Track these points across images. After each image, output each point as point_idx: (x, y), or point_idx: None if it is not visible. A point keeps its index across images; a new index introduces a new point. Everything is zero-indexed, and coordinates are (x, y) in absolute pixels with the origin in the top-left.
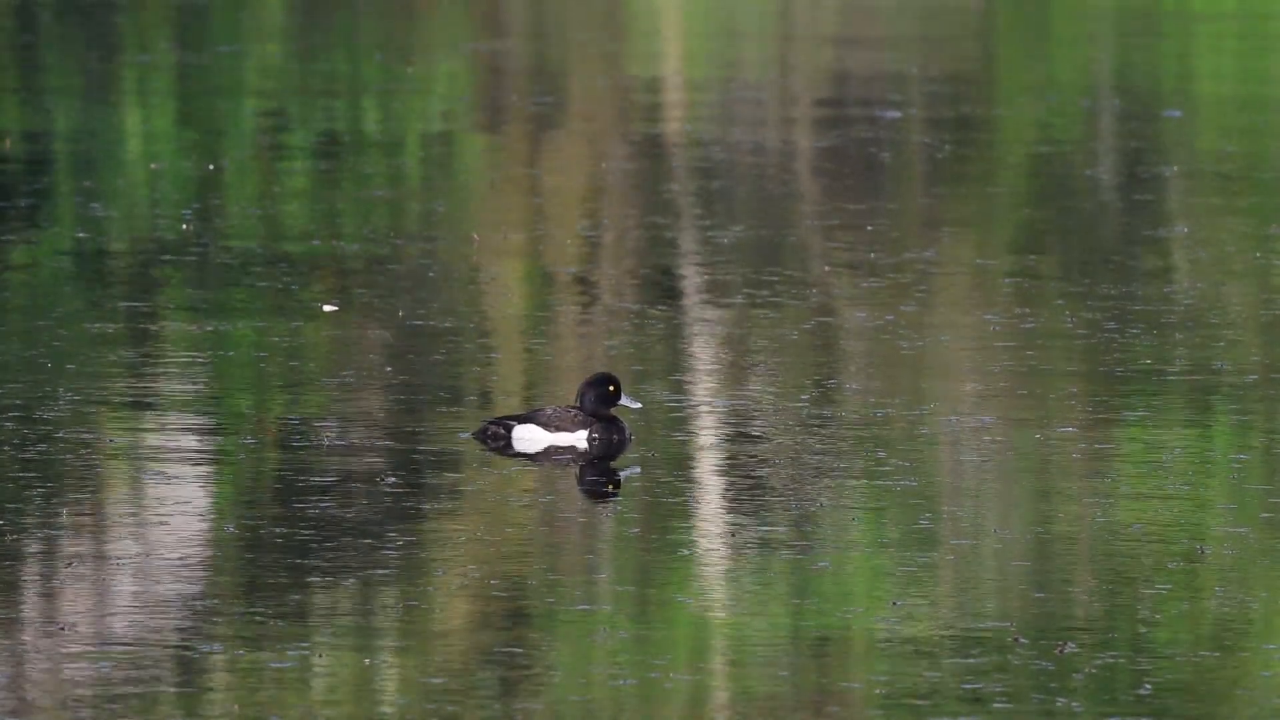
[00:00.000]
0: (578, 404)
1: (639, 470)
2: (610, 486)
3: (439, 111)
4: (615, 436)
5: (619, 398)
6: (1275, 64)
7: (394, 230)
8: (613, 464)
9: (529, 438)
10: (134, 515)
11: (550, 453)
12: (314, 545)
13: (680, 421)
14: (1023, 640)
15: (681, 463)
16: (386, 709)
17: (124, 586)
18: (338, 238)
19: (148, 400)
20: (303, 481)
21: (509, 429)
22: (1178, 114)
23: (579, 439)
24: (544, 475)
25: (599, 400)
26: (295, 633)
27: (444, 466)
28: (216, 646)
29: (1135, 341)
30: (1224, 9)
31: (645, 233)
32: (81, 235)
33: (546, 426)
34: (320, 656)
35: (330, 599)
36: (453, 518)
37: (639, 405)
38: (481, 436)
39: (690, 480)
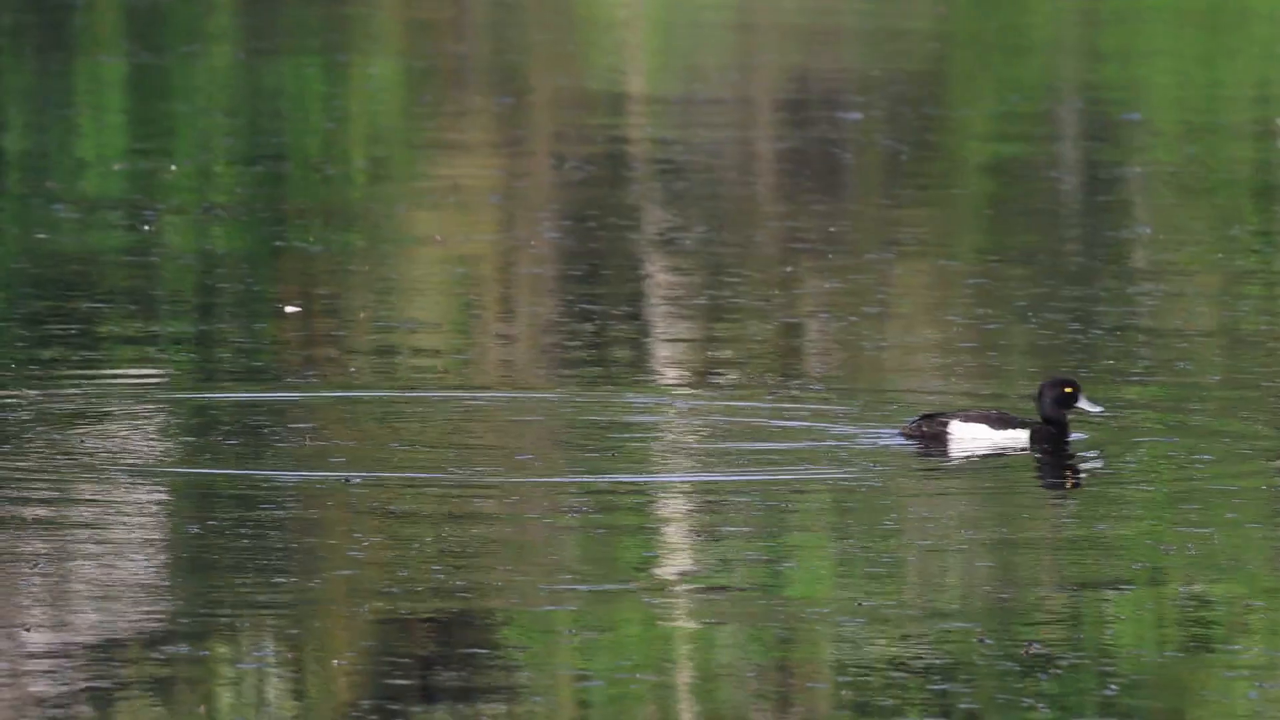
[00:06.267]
0: (1036, 404)
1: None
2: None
3: (400, 112)
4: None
5: (1077, 400)
6: (1232, 65)
7: (356, 232)
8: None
9: (971, 436)
10: (94, 517)
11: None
12: (276, 547)
13: (644, 423)
14: (988, 641)
15: (644, 461)
16: (348, 708)
17: (86, 588)
18: (300, 239)
19: (110, 402)
20: (266, 485)
21: (945, 425)
22: (1137, 117)
23: (1022, 436)
24: (496, 476)
25: (1056, 402)
26: (258, 632)
27: (421, 467)
28: (183, 647)
29: (1098, 343)
30: (1189, 5)
31: (607, 234)
32: (42, 236)
33: (991, 424)
34: (286, 655)
35: (292, 598)
36: (415, 519)
37: (1099, 409)
38: (914, 433)
39: (653, 480)
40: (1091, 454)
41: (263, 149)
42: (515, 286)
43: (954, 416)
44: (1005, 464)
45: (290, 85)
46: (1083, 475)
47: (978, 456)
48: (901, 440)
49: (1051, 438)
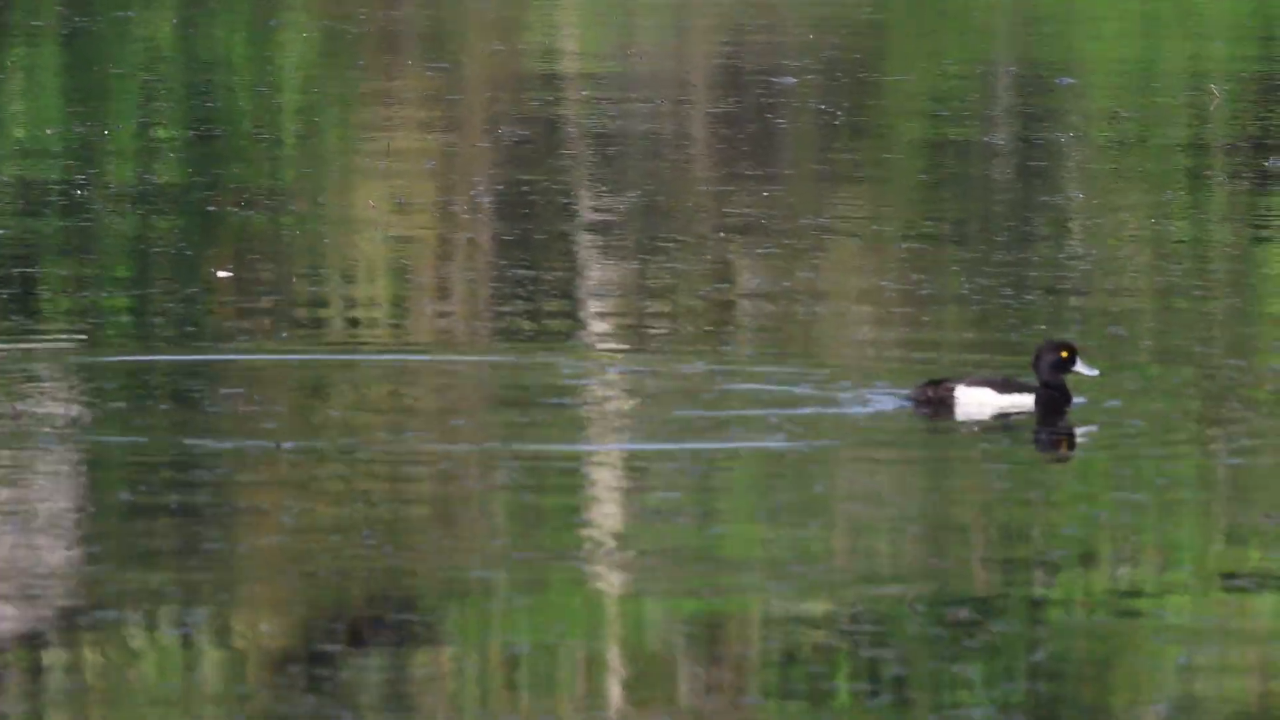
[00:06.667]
0: (1033, 368)
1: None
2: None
3: (334, 77)
4: (1059, 400)
5: (1074, 364)
6: (1169, 30)
7: (289, 196)
8: None
9: (977, 401)
10: (18, 483)
11: (992, 415)
12: (207, 513)
13: (574, 388)
14: (918, 608)
15: (575, 428)
16: (279, 675)
17: (10, 553)
18: (232, 204)
19: (35, 367)
20: (198, 451)
21: (951, 390)
22: (1071, 81)
23: (1027, 401)
24: (434, 442)
25: (1053, 366)
26: (188, 598)
27: (354, 432)
28: (112, 613)
29: (1030, 307)
30: None
31: (541, 198)
32: None
33: (996, 388)
34: (216, 621)
35: (222, 563)
36: (346, 486)
37: (1096, 373)
38: (920, 398)
39: (584, 447)
40: (1076, 425)
41: (196, 114)
42: (449, 251)
43: (959, 381)
44: (942, 431)
45: (224, 50)
46: (1019, 442)
47: (980, 422)
48: (909, 405)
49: (1055, 402)
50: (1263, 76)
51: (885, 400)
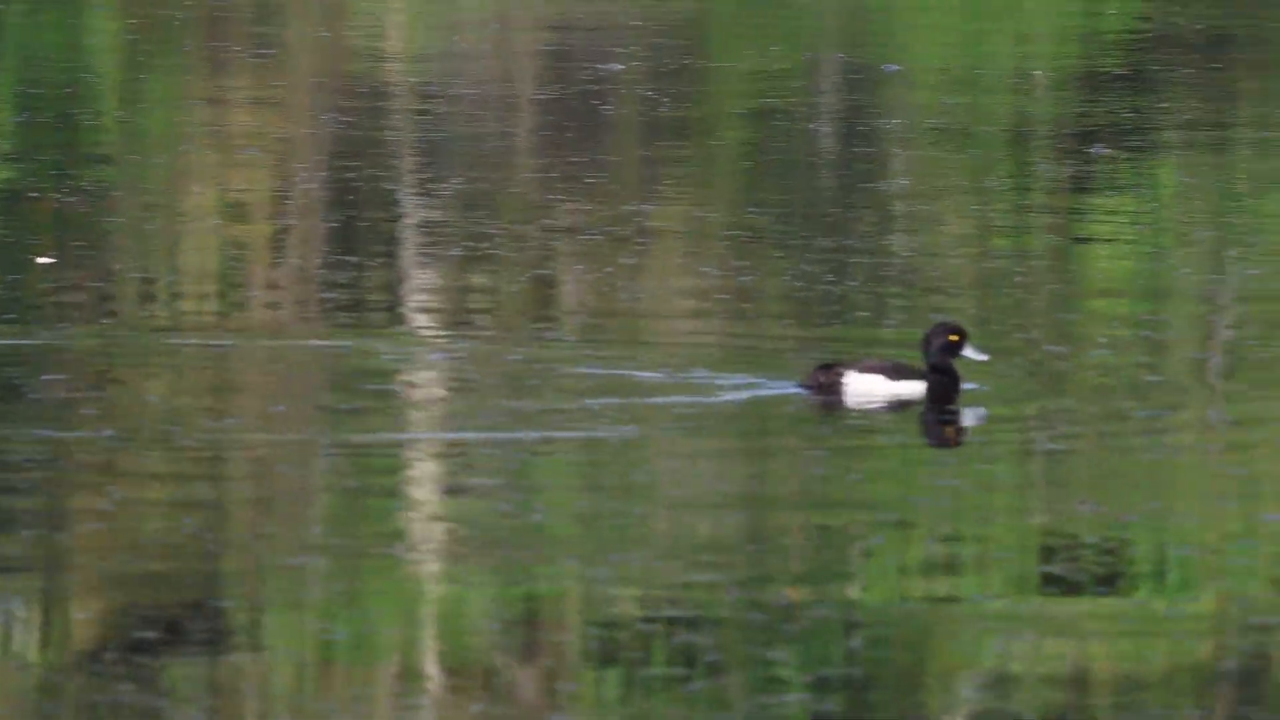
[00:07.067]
0: (922, 350)
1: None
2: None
3: (158, 63)
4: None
5: (962, 348)
6: (994, 17)
7: (113, 183)
8: None
9: (867, 389)
10: None
11: (876, 402)
12: (23, 503)
13: (395, 374)
14: (735, 593)
15: (395, 414)
16: (95, 664)
17: None
18: (54, 190)
19: None
20: (14, 436)
21: (841, 376)
22: (896, 68)
23: (919, 388)
24: (275, 427)
25: (942, 350)
26: (2, 587)
27: (167, 420)
28: None
29: (853, 295)
30: None
31: (364, 185)
32: None
33: (888, 375)
34: (31, 609)
35: (37, 552)
36: (166, 474)
37: (985, 357)
38: (811, 384)
39: (403, 432)
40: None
41: (19, 98)
42: (274, 239)
43: (850, 367)
44: (766, 418)
45: (47, 35)
46: (832, 430)
47: (803, 409)
48: (802, 391)
49: (945, 389)
50: (1085, 69)
51: (709, 388)
